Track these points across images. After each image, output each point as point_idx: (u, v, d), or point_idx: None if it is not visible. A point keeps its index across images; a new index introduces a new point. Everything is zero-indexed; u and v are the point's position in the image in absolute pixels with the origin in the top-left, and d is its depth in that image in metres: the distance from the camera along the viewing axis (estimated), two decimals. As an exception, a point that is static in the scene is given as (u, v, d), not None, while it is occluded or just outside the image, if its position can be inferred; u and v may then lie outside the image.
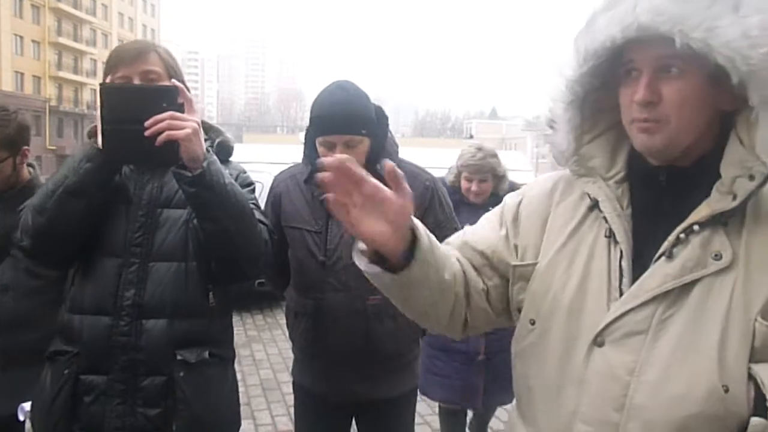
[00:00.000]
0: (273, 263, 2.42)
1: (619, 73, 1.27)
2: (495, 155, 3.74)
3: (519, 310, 1.41)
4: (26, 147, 2.50)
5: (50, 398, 1.86)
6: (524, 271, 1.41)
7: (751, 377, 1.12)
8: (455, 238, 1.52)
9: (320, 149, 2.31)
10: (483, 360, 3.42)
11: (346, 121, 2.28)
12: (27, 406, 2.28)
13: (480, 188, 3.66)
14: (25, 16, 56.19)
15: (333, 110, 2.28)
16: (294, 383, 2.65)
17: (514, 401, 1.52)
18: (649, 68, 1.20)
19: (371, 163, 2.32)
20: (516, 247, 1.45)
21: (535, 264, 1.40)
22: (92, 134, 1.80)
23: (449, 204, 2.55)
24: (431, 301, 1.35)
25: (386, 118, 2.44)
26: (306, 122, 2.47)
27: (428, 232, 1.28)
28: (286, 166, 2.66)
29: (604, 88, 1.32)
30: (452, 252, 1.44)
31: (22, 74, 56.13)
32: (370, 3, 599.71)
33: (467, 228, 1.55)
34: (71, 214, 1.78)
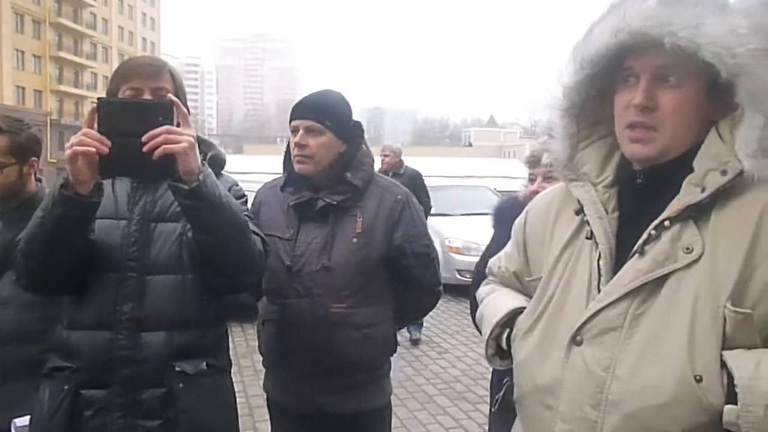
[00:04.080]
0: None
1: (616, 82, 1.32)
2: None
3: None
4: (35, 159, 2.58)
5: (49, 414, 1.86)
6: (534, 285, 1.50)
7: (723, 365, 1.13)
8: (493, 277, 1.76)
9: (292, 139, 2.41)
10: None
11: (310, 107, 2.39)
12: (19, 421, 2.28)
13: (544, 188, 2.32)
14: (26, 31, 56.50)
15: (306, 100, 2.43)
16: (267, 399, 2.63)
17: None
18: (647, 75, 1.25)
19: (341, 170, 2.39)
20: (530, 266, 1.58)
21: (540, 278, 1.47)
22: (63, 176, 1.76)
23: (422, 219, 2.55)
24: None
25: (362, 131, 2.52)
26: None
27: None
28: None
29: (600, 98, 1.37)
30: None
31: (23, 88, 56.49)
32: (368, 12, 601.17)
33: (503, 256, 1.71)
34: (57, 255, 1.80)
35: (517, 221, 1.65)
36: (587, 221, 1.37)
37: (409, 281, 2.47)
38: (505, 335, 1.53)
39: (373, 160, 2.54)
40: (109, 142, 1.65)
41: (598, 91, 1.36)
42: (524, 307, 1.51)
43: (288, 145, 2.48)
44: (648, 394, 1.17)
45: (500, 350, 1.56)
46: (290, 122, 2.41)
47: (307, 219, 2.40)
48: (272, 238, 2.41)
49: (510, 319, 1.52)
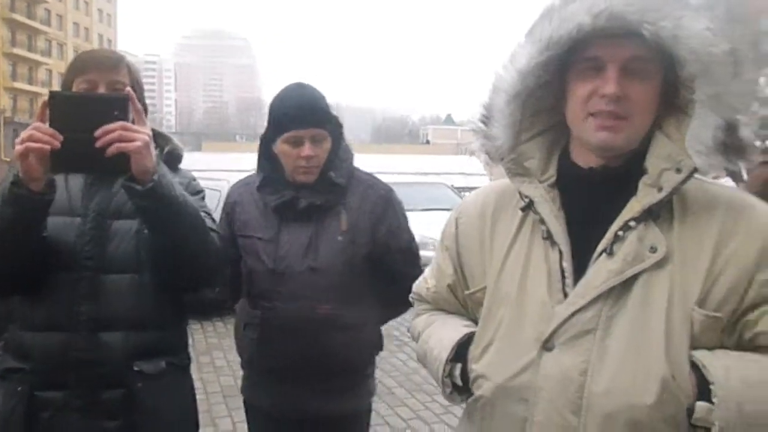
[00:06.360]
0: (226, 274, 2.40)
1: (572, 69, 1.28)
2: None
3: None
4: None
5: (4, 416, 1.82)
6: (478, 297, 1.45)
7: (693, 364, 1.17)
8: (426, 292, 1.65)
9: (284, 147, 2.26)
10: None
11: (314, 114, 2.25)
12: None
13: None
14: (-22, 28, 55.06)
15: (299, 104, 2.26)
16: (244, 401, 2.57)
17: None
18: (617, 64, 1.21)
19: (327, 168, 2.31)
20: (465, 277, 1.51)
21: (485, 288, 1.43)
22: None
23: (405, 214, 2.51)
24: None
25: (341, 126, 2.42)
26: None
27: None
28: (246, 174, 2.64)
29: (545, 87, 1.33)
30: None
31: (-25, 85, 54.96)
32: (326, 10, 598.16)
33: (429, 274, 1.65)
34: (9, 255, 1.73)
35: (445, 231, 1.59)
36: (542, 220, 1.33)
37: (393, 277, 2.39)
38: (457, 371, 1.43)
39: (353, 156, 2.44)
40: (60, 137, 1.59)
41: (551, 76, 1.31)
42: (467, 335, 1.44)
43: (263, 143, 2.37)
44: (632, 393, 1.17)
45: (457, 386, 1.45)
46: (287, 130, 2.24)
47: (289, 219, 2.31)
48: (251, 240, 2.35)
49: (458, 353, 1.43)
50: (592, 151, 1.31)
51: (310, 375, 2.30)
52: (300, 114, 2.23)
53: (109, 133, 1.61)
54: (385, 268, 2.40)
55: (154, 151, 1.71)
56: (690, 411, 1.16)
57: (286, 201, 2.30)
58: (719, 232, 1.22)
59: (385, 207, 2.39)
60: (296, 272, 2.26)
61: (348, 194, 2.35)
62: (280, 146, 2.27)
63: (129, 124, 1.64)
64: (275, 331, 2.29)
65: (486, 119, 1.40)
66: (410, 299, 2.56)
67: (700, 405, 1.15)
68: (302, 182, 2.29)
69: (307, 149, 2.22)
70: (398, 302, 2.53)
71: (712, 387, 1.14)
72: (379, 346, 2.52)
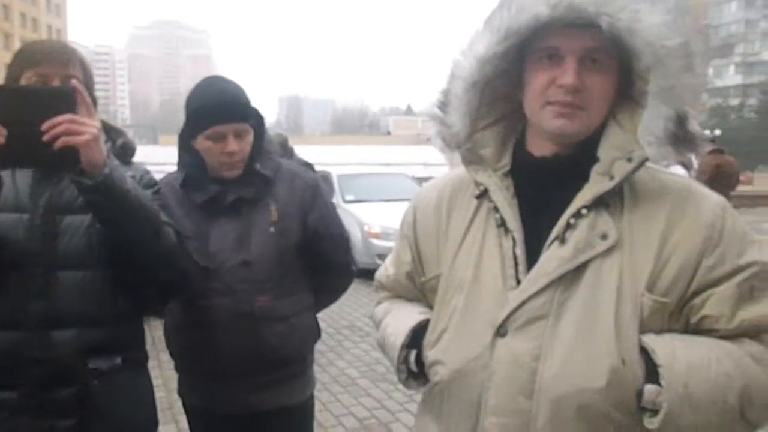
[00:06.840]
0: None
1: (531, 58, 1.30)
2: None
3: None
4: None
5: None
6: (433, 284, 1.47)
7: (642, 348, 1.20)
8: (387, 279, 1.68)
9: (206, 144, 2.21)
10: None
11: (236, 108, 2.22)
12: None
13: None
14: None
15: (220, 99, 2.20)
16: (184, 405, 2.52)
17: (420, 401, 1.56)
18: (575, 56, 1.23)
19: (250, 161, 2.29)
20: (422, 264, 1.53)
21: (440, 275, 1.45)
22: None
23: (332, 202, 2.54)
24: None
25: (263, 118, 2.40)
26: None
27: None
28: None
29: (503, 75, 1.35)
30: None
31: None
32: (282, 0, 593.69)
33: (389, 263, 1.69)
34: None
35: (404, 220, 1.62)
36: (496, 208, 1.35)
37: (325, 264, 2.45)
38: (413, 357, 1.47)
39: (276, 147, 2.43)
40: (5, 131, 1.56)
41: (509, 65, 1.33)
42: (422, 321, 1.48)
43: (182, 139, 2.32)
44: (583, 378, 1.20)
45: (413, 372, 1.49)
46: (208, 126, 2.18)
47: (217, 215, 2.28)
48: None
49: (414, 339, 1.47)
50: (548, 138, 1.33)
51: (251, 369, 2.28)
52: (221, 109, 2.19)
53: (56, 127, 1.58)
54: (315, 257, 2.41)
55: (103, 145, 1.68)
56: (639, 394, 1.19)
57: (212, 197, 2.27)
58: (667, 219, 1.25)
59: (313, 195, 2.41)
60: (230, 267, 2.24)
61: (276, 185, 2.35)
62: (201, 142, 2.23)
63: (76, 117, 1.61)
64: (213, 328, 2.25)
65: (443, 105, 1.41)
66: (345, 287, 2.60)
67: (649, 388, 1.18)
68: (227, 177, 2.27)
69: (230, 144, 2.19)
70: (331, 290, 2.63)
71: (659, 370, 1.17)
72: (317, 334, 2.53)
